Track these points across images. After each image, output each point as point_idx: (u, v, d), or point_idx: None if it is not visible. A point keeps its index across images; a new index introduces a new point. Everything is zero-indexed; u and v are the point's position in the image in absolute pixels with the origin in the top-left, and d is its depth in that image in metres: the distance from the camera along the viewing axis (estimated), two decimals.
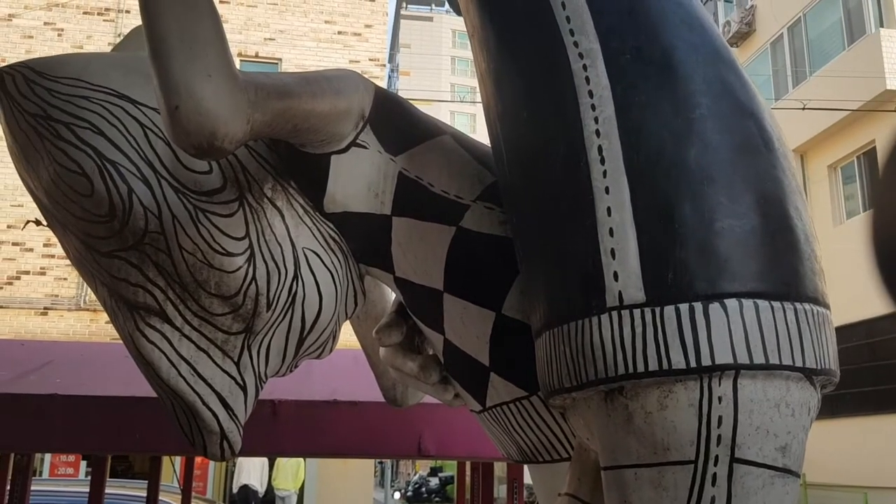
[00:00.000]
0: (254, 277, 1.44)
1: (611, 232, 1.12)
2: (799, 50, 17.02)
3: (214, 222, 1.42)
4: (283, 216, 1.51)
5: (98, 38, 13.09)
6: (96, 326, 11.66)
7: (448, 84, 54.55)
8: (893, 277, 0.80)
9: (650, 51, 1.21)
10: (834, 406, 13.29)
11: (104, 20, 13.15)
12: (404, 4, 58.71)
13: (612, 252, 1.11)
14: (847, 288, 7.76)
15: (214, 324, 1.43)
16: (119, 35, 13.01)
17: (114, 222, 1.39)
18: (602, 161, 1.15)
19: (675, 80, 1.19)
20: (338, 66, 13.83)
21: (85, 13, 13.12)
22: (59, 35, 13.02)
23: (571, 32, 1.25)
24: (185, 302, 1.42)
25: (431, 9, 58.13)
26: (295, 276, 1.49)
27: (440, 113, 51.88)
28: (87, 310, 11.77)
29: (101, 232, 1.41)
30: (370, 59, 14.57)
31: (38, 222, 1.56)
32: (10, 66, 1.51)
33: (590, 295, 1.12)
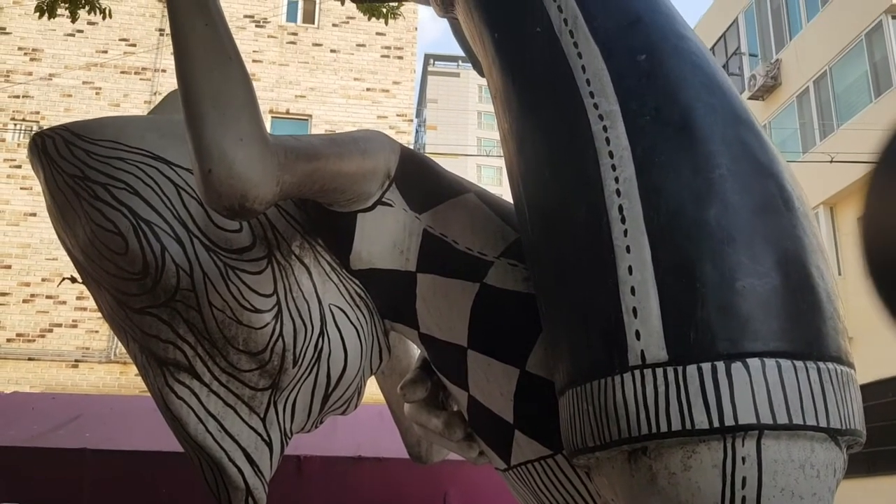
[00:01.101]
0: (281, 334, 1.46)
1: (632, 291, 1.12)
2: (826, 103, 17.02)
3: (244, 279, 1.45)
4: (310, 273, 1.53)
5: (134, 96, 13.49)
6: (126, 379, 11.74)
7: (475, 138, 55.15)
8: (888, 287, 0.79)
9: (669, 112, 1.24)
10: (871, 463, 12.89)
11: (140, 79, 13.58)
12: (431, 61, 59.82)
13: (634, 311, 1.12)
14: (880, 341, 7.60)
15: (242, 380, 1.45)
16: (155, 93, 13.40)
17: (146, 280, 1.43)
18: (623, 220, 1.17)
19: (695, 141, 1.21)
20: (366, 122, 14.11)
21: (122, 72, 13.56)
22: (97, 94, 13.45)
23: (592, 95, 1.28)
24: (214, 358, 1.44)
25: (458, 65, 59.14)
26: (321, 333, 1.51)
27: (467, 166, 52.34)
28: (118, 362, 11.87)
29: (134, 289, 1.45)
30: (398, 115, 14.82)
31: (73, 279, 1.61)
32: (50, 129, 1.57)
33: (612, 353, 1.12)
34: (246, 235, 1.50)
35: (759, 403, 1.05)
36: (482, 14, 1.50)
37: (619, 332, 1.12)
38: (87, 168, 1.48)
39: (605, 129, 1.24)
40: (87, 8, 5.19)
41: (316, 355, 1.51)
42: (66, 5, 5.09)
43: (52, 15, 5.11)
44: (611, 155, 1.22)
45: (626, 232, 1.16)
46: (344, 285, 1.57)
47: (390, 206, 1.57)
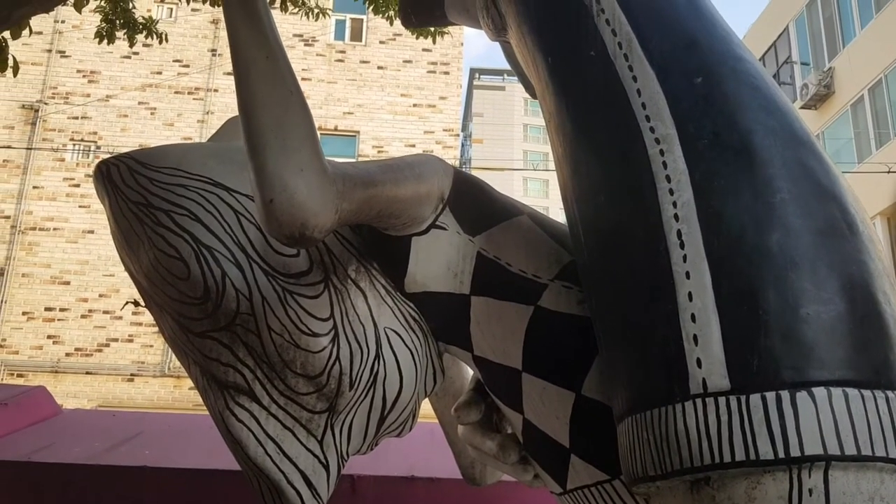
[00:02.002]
0: (337, 357, 1.48)
1: (693, 318, 1.11)
2: (881, 111, 16.59)
3: (301, 304, 1.47)
4: (365, 297, 1.55)
5: (188, 115, 13.83)
6: (179, 392, 11.98)
7: (520, 151, 55.13)
8: None
9: (728, 135, 1.22)
10: None
11: (194, 99, 13.91)
12: (477, 75, 60.05)
13: (695, 338, 1.10)
14: None
15: (300, 403, 1.47)
16: (208, 112, 13.72)
17: (207, 304, 1.46)
18: (682, 246, 1.15)
19: (754, 165, 1.19)
20: (413, 138, 14.20)
21: (176, 93, 13.92)
22: (152, 114, 13.82)
23: (647, 118, 1.27)
24: (273, 381, 1.46)
25: (504, 78, 59.25)
26: (377, 356, 1.52)
27: (513, 179, 52.31)
28: (172, 376, 12.13)
29: (196, 313, 1.48)
30: (444, 130, 14.90)
31: (136, 303, 1.66)
32: (115, 157, 1.62)
33: (673, 381, 1.11)
34: (303, 260, 1.52)
35: (826, 433, 1.02)
36: (535, 39, 1.50)
37: (679, 359, 1.11)
38: (151, 195, 1.52)
39: (661, 152, 1.23)
40: (144, 33, 5.35)
41: (372, 378, 1.52)
42: (125, 31, 5.26)
43: (112, 40, 5.28)
44: (668, 179, 1.21)
45: (685, 257, 1.15)
46: (399, 308, 1.58)
47: (444, 229, 1.58)
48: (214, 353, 1.48)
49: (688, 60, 1.31)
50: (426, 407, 1.88)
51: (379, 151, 14.33)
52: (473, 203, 1.63)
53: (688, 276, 1.14)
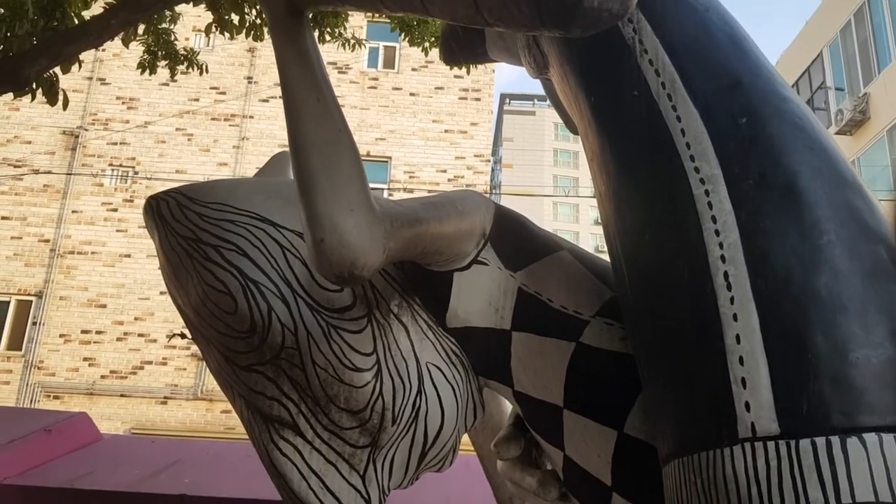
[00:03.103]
0: (380, 392, 1.49)
1: (741, 360, 1.10)
2: None
3: (345, 338, 1.49)
4: (408, 331, 1.56)
5: (223, 141, 14.07)
6: (212, 416, 12.06)
7: (550, 176, 55.10)
8: None
9: (774, 176, 1.22)
10: None
11: (230, 125, 14.16)
12: (507, 101, 60.30)
13: (743, 381, 1.09)
14: None
15: (343, 437, 1.48)
16: (243, 138, 13.95)
17: (254, 338, 1.48)
18: (729, 287, 1.15)
19: (801, 206, 1.18)
20: (444, 163, 14.27)
21: (212, 119, 14.17)
22: (189, 140, 14.08)
23: (692, 158, 1.27)
24: (317, 416, 1.48)
25: (534, 104, 59.42)
26: (419, 391, 1.53)
27: (543, 204, 52.24)
28: (204, 399, 12.23)
29: (242, 347, 1.50)
30: (475, 155, 14.98)
31: (183, 335, 1.69)
32: (164, 193, 1.66)
33: (720, 424, 1.10)
34: (347, 295, 1.54)
35: (878, 481, 1.01)
36: (578, 78, 1.51)
37: (727, 402, 1.10)
38: (199, 230, 1.55)
39: (707, 192, 1.23)
40: (185, 65, 5.48)
41: (414, 414, 1.53)
42: (166, 62, 5.39)
43: (153, 71, 5.43)
44: (714, 220, 1.21)
45: (732, 299, 1.14)
46: (440, 343, 1.59)
47: (485, 264, 1.59)
48: (260, 387, 1.50)
49: (732, 101, 1.31)
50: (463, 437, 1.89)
51: (410, 177, 14.44)
52: (514, 238, 1.64)
53: (735, 318, 1.13)
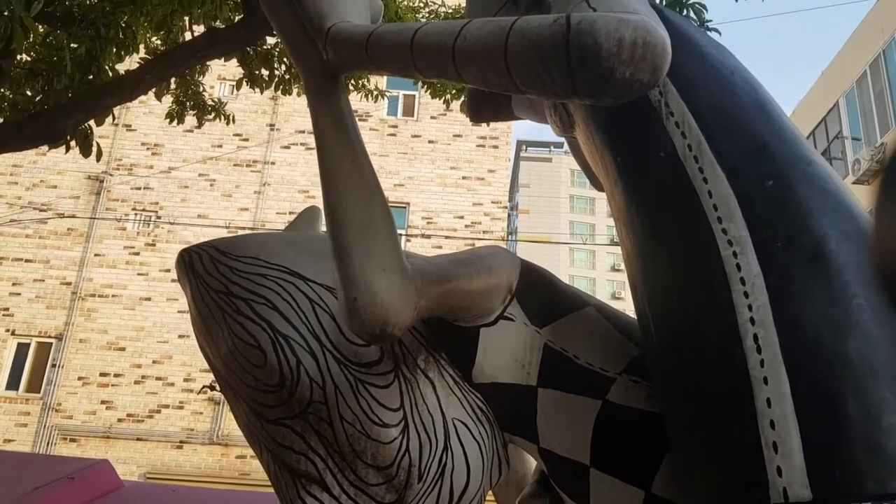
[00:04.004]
0: (407, 449, 1.49)
1: (772, 424, 1.10)
2: None
3: (372, 393, 1.50)
4: (434, 387, 1.57)
5: (245, 187, 14.25)
6: (226, 461, 11.99)
7: (567, 222, 55.16)
8: None
9: (802, 240, 1.23)
10: None
11: (251, 171, 14.36)
12: (524, 147, 60.75)
13: (775, 445, 1.09)
14: None
15: (369, 494, 1.48)
16: (264, 184, 14.12)
17: (282, 392, 1.50)
18: (759, 350, 1.15)
19: (829, 270, 1.19)
20: (462, 209, 14.34)
21: (235, 165, 14.39)
22: (212, 185, 14.28)
23: (719, 220, 1.28)
24: (343, 471, 1.48)
25: (550, 150, 59.80)
26: (445, 448, 1.53)
27: (559, 250, 52.21)
28: (219, 444, 12.17)
29: (270, 401, 1.51)
30: (493, 202, 15.06)
31: (211, 387, 1.71)
32: (197, 246, 1.69)
33: (752, 489, 1.10)
34: (374, 349, 1.56)
35: None
36: (604, 138, 1.54)
37: (759, 467, 1.10)
38: (231, 284, 1.58)
39: (735, 254, 1.24)
40: (212, 115, 5.61)
41: (440, 470, 1.53)
42: (194, 112, 5.52)
43: (181, 121, 5.55)
44: (742, 282, 1.21)
45: (762, 362, 1.15)
46: (467, 399, 1.60)
47: (511, 320, 1.60)
48: (287, 441, 1.51)
49: (758, 163, 1.33)
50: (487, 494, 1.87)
51: (428, 222, 14.52)
52: (540, 294, 1.65)
53: (766, 381, 1.13)
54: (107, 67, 4.37)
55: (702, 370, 1.23)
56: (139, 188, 14.28)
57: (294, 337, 1.52)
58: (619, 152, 1.50)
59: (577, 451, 1.51)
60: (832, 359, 1.12)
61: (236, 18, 5.14)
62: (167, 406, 12.63)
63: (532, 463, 1.85)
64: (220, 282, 1.59)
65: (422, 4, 6.80)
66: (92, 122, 4.09)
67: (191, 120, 5.88)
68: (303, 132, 14.22)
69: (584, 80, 1.04)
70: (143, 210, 14.19)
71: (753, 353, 1.16)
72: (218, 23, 4.91)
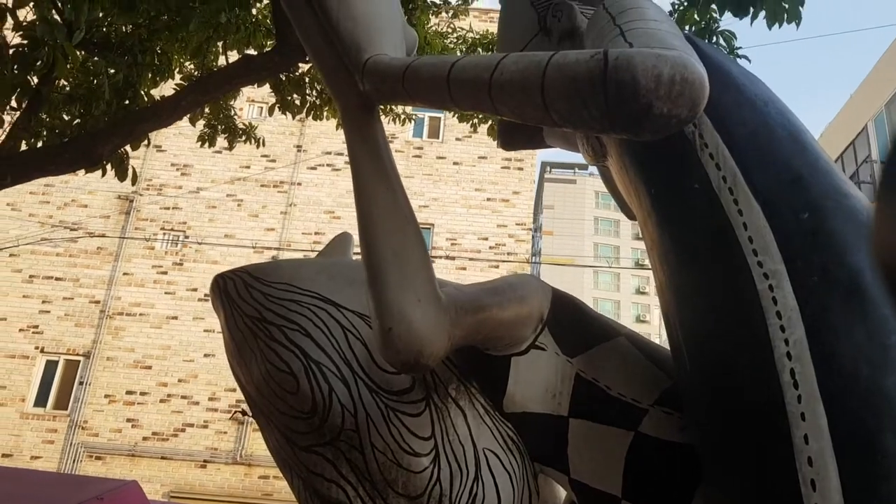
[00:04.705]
0: (438, 478, 1.49)
1: (809, 461, 1.09)
2: None
3: (404, 422, 1.50)
4: (465, 416, 1.57)
5: (272, 207, 14.38)
6: (249, 481, 12.01)
7: (591, 244, 54.90)
8: None
9: (838, 273, 1.22)
10: None
11: (278, 192, 14.49)
12: (548, 168, 60.71)
13: (812, 483, 1.08)
14: None
15: None
16: (290, 205, 14.25)
17: (314, 419, 1.50)
18: (796, 385, 1.15)
19: (866, 304, 1.18)
20: (486, 231, 14.34)
21: (262, 186, 14.53)
22: (239, 206, 14.43)
23: (755, 252, 1.28)
24: (374, 500, 1.48)
25: (575, 172, 59.68)
26: (476, 478, 1.53)
27: (584, 273, 51.93)
28: (243, 464, 12.19)
29: (302, 427, 1.52)
30: (517, 224, 15.06)
31: (244, 413, 1.72)
32: (231, 272, 1.71)
33: None
34: (406, 377, 1.56)
35: None
36: (637, 169, 1.54)
37: None
38: (265, 310, 1.59)
39: (771, 287, 1.24)
40: (243, 138, 5.69)
41: (470, 501, 1.52)
42: (226, 135, 5.61)
43: (213, 144, 5.64)
44: (779, 315, 1.21)
45: (799, 398, 1.14)
46: (497, 429, 1.60)
47: (543, 349, 1.60)
48: (318, 468, 1.51)
49: (793, 195, 1.32)
50: None
51: (452, 244, 14.54)
52: (572, 323, 1.65)
53: (803, 417, 1.12)
54: (143, 93, 4.47)
55: (737, 405, 1.23)
56: (168, 208, 14.47)
57: (326, 364, 1.53)
58: (653, 184, 1.50)
59: (608, 483, 1.51)
60: (870, 394, 1.11)
61: (268, 43, 5.23)
62: (192, 425, 12.69)
63: (562, 494, 1.83)
64: (254, 308, 1.60)
65: (450, 30, 6.88)
66: (127, 147, 4.17)
67: (220, 141, 5.98)
68: (329, 153, 14.35)
69: (622, 115, 1.05)
70: (172, 230, 14.38)
71: (790, 389, 1.15)
72: (251, 49, 5.01)
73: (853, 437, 1.09)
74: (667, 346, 1.55)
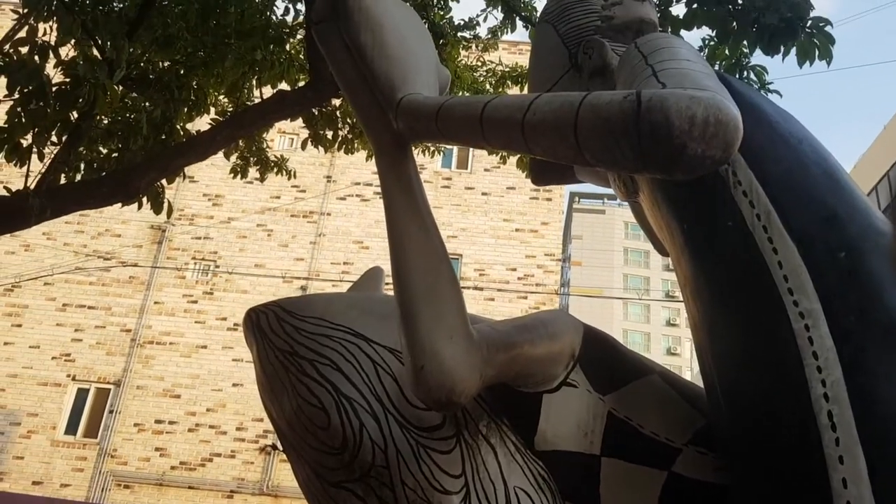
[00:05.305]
0: None
1: None
2: None
3: (434, 459, 1.49)
4: (496, 454, 1.56)
5: (301, 237, 14.51)
6: None
7: (620, 275, 54.50)
8: None
9: (876, 313, 1.20)
10: None
11: (308, 222, 14.63)
12: (577, 199, 60.58)
13: None
14: None
15: None
16: (320, 235, 14.36)
17: (344, 455, 1.50)
18: (833, 428, 1.13)
19: None
20: (514, 261, 14.31)
21: (292, 216, 14.68)
22: (269, 235, 14.58)
23: (790, 291, 1.27)
24: None
25: (604, 202, 59.49)
26: None
27: (613, 304, 51.49)
28: (269, 495, 12.16)
29: (332, 463, 1.52)
30: (546, 254, 15.02)
31: (274, 447, 1.72)
32: (263, 306, 1.73)
33: None
34: (436, 413, 1.55)
35: None
36: (670, 206, 1.53)
37: None
38: (296, 344, 1.60)
39: (807, 327, 1.22)
40: (275, 170, 5.78)
41: None
42: (257, 167, 5.70)
43: (245, 175, 5.73)
44: (815, 356, 1.19)
45: (837, 441, 1.12)
46: (528, 467, 1.58)
47: (574, 386, 1.59)
48: None
49: (829, 234, 1.31)
50: None
51: (480, 274, 14.52)
52: (603, 360, 1.63)
53: (841, 460, 1.10)
54: (178, 127, 4.57)
55: (774, 447, 1.21)
56: (199, 238, 14.66)
57: (357, 399, 1.53)
58: (686, 220, 1.49)
59: None
60: None
61: (301, 78, 5.32)
62: (219, 455, 12.71)
63: None
64: (286, 342, 1.61)
65: (479, 63, 6.94)
66: (163, 180, 4.26)
67: (252, 172, 6.07)
68: (358, 184, 14.49)
69: (655, 156, 1.05)
70: (203, 259, 14.55)
71: (828, 431, 1.13)
72: (284, 84, 5.10)
73: (893, 482, 1.07)
74: (700, 380, 1.53)
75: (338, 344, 1.60)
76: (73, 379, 13.76)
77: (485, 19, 6.39)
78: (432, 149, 6.51)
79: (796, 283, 1.27)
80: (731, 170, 1.40)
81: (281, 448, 1.71)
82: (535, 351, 1.47)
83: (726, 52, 3.98)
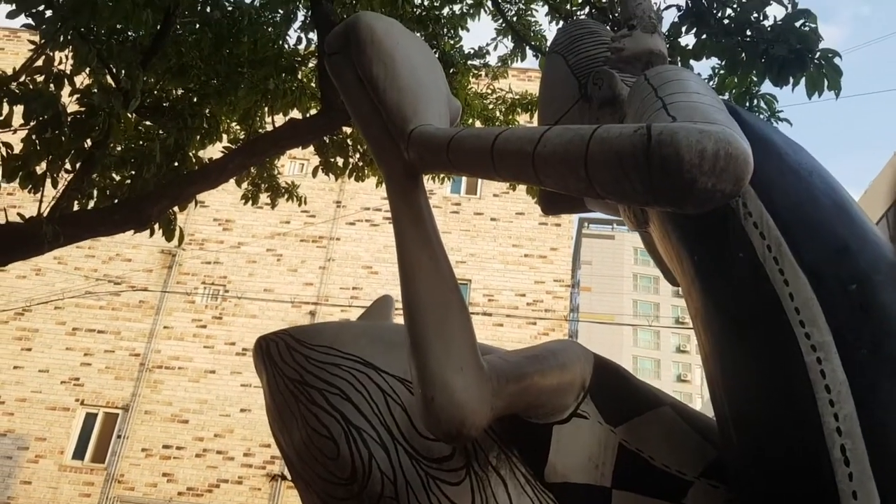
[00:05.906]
0: None
1: None
2: None
3: (444, 490, 1.49)
4: (506, 485, 1.55)
5: (311, 262, 14.54)
6: None
7: (630, 301, 54.27)
8: None
9: (889, 346, 1.20)
10: None
11: (317, 247, 14.67)
12: (586, 224, 60.54)
13: None
14: None
15: None
16: (329, 259, 14.39)
17: (354, 485, 1.49)
18: (846, 462, 1.12)
19: None
20: (523, 287, 14.28)
21: (301, 241, 14.72)
22: (278, 260, 14.62)
23: (802, 324, 1.26)
24: None
25: (613, 227, 59.41)
26: None
27: (623, 330, 51.23)
28: None
29: (341, 493, 1.51)
30: (555, 280, 14.99)
31: (283, 477, 1.71)
32: (273, 334, 1.73)
33: None
34: (446, 444, 1.55)
35: None
36: (680, 236, 1.53)
37: None
38: (306, 373, 1.60)
39: (819, 360, 1.22)
40: (286, 196, 5.82)
41: None
42: (268, 193, 5.74)
43: (256, 202, 5.77)
44: (828, 389, 1.18)
45: (851, 475, 1.11)
46: (539, 499, 1.57)
47: (585, 418, 1.58)
48: None
49: (840, 266, 1.31)
50: None
51: (489, 300, 14.50)
52: (614, 391, 1.63)
53: (854, 496, 1.10)
54: (191, 155, 4.62)
55: (787, 481, 1.20)
56: (209, 262, 14.71)
57: (366, 429, 1.52)
58: (696, 252, 1.49)
59: None
60: None
61: (313, 105, 5.37)
62: (226, 481, 12.65)
63: None
64: (296, 370, 1.61)
65: (489, 91, 6.99)
66: (175, 208, 4.30)
67: (262, 198, 6.11)
68: (368, 209, 14.54)
69: (666, 189, 1.05)
70: (212, 284, 14.59)
71: (841, 466, 1.12)
72: (296, 112, 5.15)
73: None
74: (710, 409, 1.52)
75: (347, 373, 1.60)
76: (82, 403, 13.76)
77: (495, 48, 6.46)
78: (442, 175, 6.54)
79: (808, 316, 1.26)
80: (742, 201, 1.40)
81: (289, 477, 1.70)
82: (545, 382, 1.46)
83: (735, 81, 4.00)
